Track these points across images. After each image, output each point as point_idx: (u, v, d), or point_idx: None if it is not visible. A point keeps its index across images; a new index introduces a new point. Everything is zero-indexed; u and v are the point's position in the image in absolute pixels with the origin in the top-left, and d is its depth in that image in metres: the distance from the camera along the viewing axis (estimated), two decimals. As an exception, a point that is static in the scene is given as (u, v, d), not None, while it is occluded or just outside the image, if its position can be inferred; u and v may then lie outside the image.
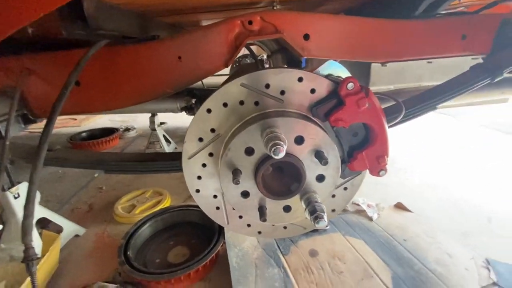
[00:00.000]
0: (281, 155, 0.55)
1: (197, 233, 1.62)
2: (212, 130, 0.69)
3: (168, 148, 2.89)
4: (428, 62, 1.38)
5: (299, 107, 0.67)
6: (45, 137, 0.81)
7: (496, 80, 1.05)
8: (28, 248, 0.72)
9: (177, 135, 3.56)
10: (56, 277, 1.39)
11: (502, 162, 2.53)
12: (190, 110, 2.15)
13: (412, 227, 1.69)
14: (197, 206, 1.72)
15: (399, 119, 0.93)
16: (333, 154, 0.66)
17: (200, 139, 0.70)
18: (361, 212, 1.82)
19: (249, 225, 0.82)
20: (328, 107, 0.65)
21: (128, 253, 1.37)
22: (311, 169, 0.68)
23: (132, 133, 3.59)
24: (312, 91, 0.66)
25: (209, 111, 0.67)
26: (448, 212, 1.90)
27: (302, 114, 0.67)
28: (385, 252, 1.48)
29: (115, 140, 3.21)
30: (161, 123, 2.97)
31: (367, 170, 0.71)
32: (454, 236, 1.64)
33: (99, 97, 1.17)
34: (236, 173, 0.65)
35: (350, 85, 0.61)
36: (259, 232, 0.83)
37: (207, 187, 0.76)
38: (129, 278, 1.26)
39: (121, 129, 3.51)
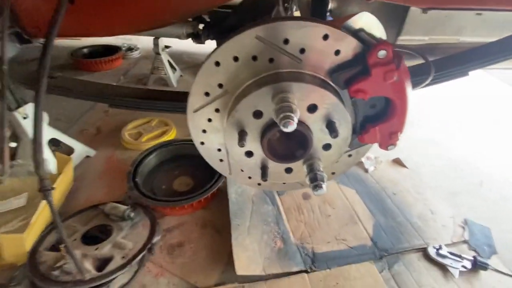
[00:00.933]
0: (291, 128, 0.52)
1: (201, 165, 1.70)
2: (220, 86, 0.64)
3: (173, 76, 2.77)
4: (477, 14, 1.16)
5: (318, 69, 0.60)
6: (44, 62, 0.76)
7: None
8: (42, 180, 0.77)
9: (183, 60, 3.37)
10: (73, 192, 1.54)
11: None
12: (197, 37, 1.95)
13: (403, 182, 1.77)
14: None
15: (426, 82, 0.84)
16: (345, 126, 0.63)
17: (207, 94, 0.65)
18: (358, 163, 1.87)
19: (250, 177, 0.85)
20: (351, 73, 0.58)
21: (136, 179, 1.48)
22: (319, 137, 0.66)
23: (135, 54, 3.39)
24: (337, 52, 0.58)
25: (217, 64, 0.60)
26: (444, 170, 1.95)
27: (320, 78, 0.60)
28: (373, 203, 1.59)
29: (118, 60, 3.06)
30: (166, 47, 2.76)
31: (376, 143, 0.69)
32: (442, 195, 1.73)
33: (96, 20, 1.05)
34: (242, 135, 0.63)
35: (381, 53, 0.53)
36: (259, 184, 0.87)
37: (211, 141, 0.75)
38: (138, 202, 1.40)
39: (123, 48, 3.30)
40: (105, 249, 1.16)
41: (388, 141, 0.66)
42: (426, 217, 1.56)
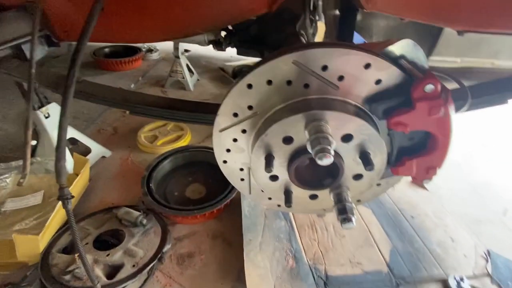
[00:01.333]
0: (327, 162, 0.49)
1: (215, 174, 1.70)
2: (250, 107, 0.61)
3: (190, 80, 2.79)
4: (516, 38, 1.10)
5: (355, 97, 0.57)
6: (74, 66, 0.76)
7: None
8: (62, 188, 0.76)
9: (200, 65, 3.39)
10: (88, 192, 1.55)
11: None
12: (218, 44, 1.96)
13: (422, 205, 1.69)
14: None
15: (461, 110, 0.80)
16: (380, 158, 0.59)
17: (235, 114, 0.63)
18: (376, 181, 1.81)
19: (270, 198, 0.82)
20: (390, 104, 0.55)
21: (151, 184, 1.47)
22: (351, 167, 0.62)
23: (155, 55, 3.44)
24: (378, 81, 0.55)
25: (249, 86, 0.58)
26: (465, 195, 1.86)
27: (357, 106, 0.57)
28: (390, 225, 1.52)
29: (137, 61, 3.11)
30: (185, 51, 2.78)
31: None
32: (463, 221, 1.64)
33: (126, 27, 1.05)
34: (269, 160, 0.61)
35: (429, 87, 0.49)
36: (279, 205, 0.84)
37: (234, 160, 0.73)
38: (151, 208, 1.39)
39: (144, 49, 3.35)
40: (116, 255, 1.15)
41: (424, 176, 0.62)
42: (446, 245, 1.48)
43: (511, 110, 2.88)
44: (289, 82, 0.56)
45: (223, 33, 1.95)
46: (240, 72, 2.96)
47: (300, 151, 0.60)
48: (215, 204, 1.39)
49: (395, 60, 0.58)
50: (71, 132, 1.65)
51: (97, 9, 0.74)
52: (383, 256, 1.37)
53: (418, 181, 0.64)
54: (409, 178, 1.49)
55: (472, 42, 1.18)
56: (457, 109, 0.81)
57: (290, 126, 0.57)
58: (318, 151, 0.48)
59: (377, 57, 0.52)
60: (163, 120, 1.06)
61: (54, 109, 1.53)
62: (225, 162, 0.74)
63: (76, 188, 1.37)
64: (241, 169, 0.76)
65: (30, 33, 1.09)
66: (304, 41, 1.34)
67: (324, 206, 0.73)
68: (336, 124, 0.55)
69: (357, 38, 1.90)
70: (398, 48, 0.58)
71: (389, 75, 0.54)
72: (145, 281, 1.17)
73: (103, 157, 1.84)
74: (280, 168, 0.65)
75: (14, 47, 1.07)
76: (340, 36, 1.32)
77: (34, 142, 1.56)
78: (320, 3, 1.49)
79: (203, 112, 1.02)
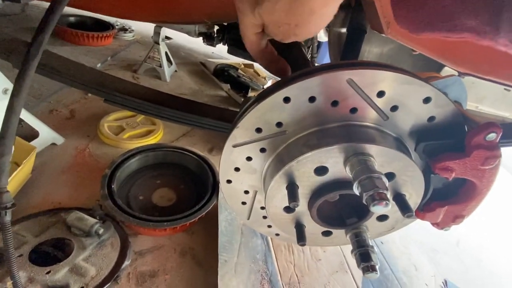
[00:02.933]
0: (383, 211, 0.40)
1: (188, 179, 1.53)
2: (279, 124, 0.50)
3: (168, 69, 2.55)
4: (506, 89, 1.19)
5: (401, 132, 0.50)
6: (44, 31, 0.57)
7: None
8: (1, 193, 0.55)
9: (179, 55, 3.15)
10: (28, 186, 1.25)
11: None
12: (209, 38, 1.81)
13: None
14: (195, 153, 1.58)
15: None
16: (413, 202, 0.53)
17: (258, 130, 0.51)
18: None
19: (270, 226, 0.71)
20: (441, 146, 0.49)
21: (113, 186, 1.25)
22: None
23: (128, 35, 3.10)
24: (431, 119, 0.48)
25: (287, 100, 0.47)
26: (426, 224, 1.97)
27: (403, 143, 0.50)
28: (363, 251, 1.53)
29: (108, 39, 2.75)
30: (167, 38, 2.54)
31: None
32: (425, 249, 1.74)
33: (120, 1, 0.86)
34: (293, 190, 0.50)
35: (490, 136, 0.44)
36: (277, 234, 0.74)
37: (241, 181, 0.61)
38: (109, 214, 1.17)
39: (117, 26, 3.00)
40: (59, 273, 0.92)
41: (448, 223, 0.58)
42: (411, 273, 1.53)
43: None
44: (335, 103, 0.47)
45: (215, 27, 1.80)
46: (223, 72, 2.82)
47: (332, 185, 0.51)
48: (189, 217, 1.23)
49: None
50: (15, 110, 1.33)
51: None
52: (356, 283, 1.35)
53: (440, 228, 0.59)
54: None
55: (466, 84, 1.23)
56: None
57: (329, 155, 0.47)
58: (374, 197, 0.39)
59: (440, 92, 0.45)
60: (147, 115, 0.89)
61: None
62: (229, 181, 0.61)
63: (14, 182, 1.09)
64: (246, 192, 0.64)
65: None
66: (305, 53, 1.28)
67: (335, 243, 0.65)
68: (382, 160, 0.47)
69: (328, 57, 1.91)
70: (447, 86, 0.53)
71: (445, 114, 0.48)
72: (93, 305, 0.95)
73: (53, 144, 1.53)
74: (301, 199, 0.54)
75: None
76: (346, 54, 1.29)
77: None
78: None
79: (198, 114, 0.87)
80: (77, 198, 1.29)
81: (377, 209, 0.40)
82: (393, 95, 0.46)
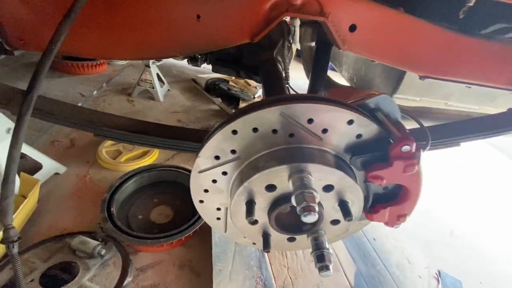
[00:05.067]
0: (312, 219, 0.49)
1: (183, 195, 1.62)
2: (233, 152, 0.60)
3: (160, 90, 2.67)
4: (467, 87, 1.26)
5: (337, 148, 0.59)
6: (37, 81, 0.67)
7: (530, 130, 0.99)
8: (7, 229, 0.65)
9: (171, 74, 3.29)
10: (36, 216, 1.36)
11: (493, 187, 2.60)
12: (193, 60, 1.92)
13: (382, 227, 1.79)
14: (188, 170, 1.67)
15: (425, 150, 0.87)
16: (358, 206, 0.62)
17: (217, 157, 0.61)
18: (342, 204, 1.89)
19: (245, 237, 0.80)
20: (370, 159, 0.57)
21: (112, 209, 1.35)
22: (330, 213, 0.63)
23: (121, 61, 3.24)
24: (358, 136, 0.57)
25: (234, 132, 0.57)
26: (419, 219, 2.02)
27: (339, 157, 0.59)
28: (355, 248, 1.59)
29: (102, 66, 2.90)
30: (157, 60, 2.67)
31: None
32: (418, 242, 1.79)
33: (95, 41, 0.97)
34: (250, 207, 0.59)
35: (405, 148, 0.52)
36: (254, 243, 0.82)
37: (212, 200, 0.70)
38: (111, 235, 1.27)
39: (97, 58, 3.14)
40: (67, 294, 1.02)
41: (395, 222, 0.66)
42: (404, 267, 1.59)
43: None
44: (274, 131, 0.56)
45: (198, 49, 1.91)
46: (214, 87, 2.93)
47: (282, 199, 0.59)
48: (184, 231, 1.32)
49: (372, 112, 0.61)
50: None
51: (68, 21, 0.67)
52: (348, 280, 1.41)
53: (390, 226, 0.67)
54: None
55: (430, 85, 1.32)
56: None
57: (274, 175, 0.56)
58: (304, 209, 0.48)
59: (360, 114, 0.54)
60: (132, 144, 0.99)
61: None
62: (201, 201, 0.71)
63: (21, 214, 1.20)
64: (218, 209, 0.73)
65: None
66: (280, 68, 1.38)
67: (302, 247, 0.73)
68: (319, 175, 0.56)
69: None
70: (377, 102, 0.62)
71: (369, 131, 0.57)
72: (100, 321, 1.05)
73: (56, 173, 1.65)
74: (260, 212, 0.63)
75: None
76: (315, 66, 1.38)
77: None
78: (297, 34, 1.55)
79: (179, 139, 0.97)
80: (81, 222, 1.39)
81: (308, 219, 0.49)
82: (321, 120, 0.55)
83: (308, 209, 0.48)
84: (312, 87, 1.18)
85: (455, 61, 1.05)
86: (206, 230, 1.41)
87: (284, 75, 1.35)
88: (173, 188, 1.66)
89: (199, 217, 1.41)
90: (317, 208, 0.49)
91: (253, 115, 0.54)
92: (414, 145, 0.53)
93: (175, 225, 1.39)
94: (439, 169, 2.71)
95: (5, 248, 0.66)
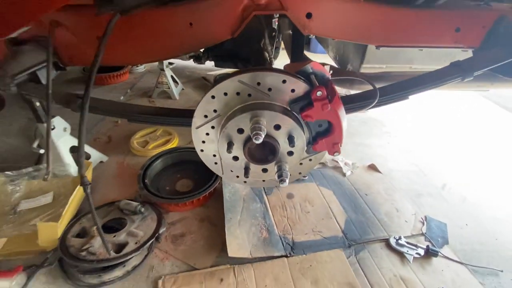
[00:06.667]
0: (259, 141, 0.80)
1: (200, 170, 1.98)
2: (215, 111, 0.92)
3: (175, 89, 3.07)
4: (419, 50, 1.47)
5: (281, 101, 0.89)
6: (89, 87, 1.04)
7: (465, 80, 1.20)
8: (83, 177, 1.04)
9: (184, 75, 3.68)
10: (91, 191, 1.79)
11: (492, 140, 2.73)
12: (197, 58, 2.27)
13: (376, 185, 2.04)
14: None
15: (372, 104, 1.14)
16: (301, 139, 0.91)
17: (205, 116, 0.94)
18: (337, 168, 2.16)
19: (237, 176, 1.12)
20: (302, 104, 0.87)
21: (146, 181, 1.75)
22: (284, 147, 0.93)
23: (140, 68, 3.70)
24: (292, 90, 0.87)
25: (213, 97, 0.89)
26: (412, 175, 2.23)
27: (283, 107, 0.89)
28: (347, 202, 1.86)
29: (125, 75, 3.36)
30: (170, 63, 3.07)
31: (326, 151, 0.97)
32: (409, 196, 2.00)
33: (119, 52, 1.35)
34: (230, 145, 0.91)
35: (318, 93, 0.81)
36: (245, 182, 1.14)
37: (208, 149, 1.03)
38: (147, 200, 1.67)
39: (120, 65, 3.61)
40: (121, 236, 1.42)
41: (332, 149, 0.94)
42: (392, 214, 1.83)
43: (455, 111, 3.32)
44: (238, 93, 0.88)
45: (201, 50, 2.26)
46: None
47: (249, 138, 0.91)
48: (201, 192, 1.68)
49: (307, 75, 0.90)
50: (73, 141, 1.90)
51: (103, 45, 1.03)
52: (339, 225, 1.69)
53: (331, 153, 0.96)
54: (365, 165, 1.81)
55: (391, 53, 1.54)
56: (369, 104, 1.15)
57: (241, 121, 0.88)
58: (253, 134, 0.80)
59: (289, 75, 0.84)
60: (155, 125, 1.34)
61: (58, 121, 1.78)
62: (202, 150, 1.04)
63: (81, 189, 1.62)
64: (214, 155, 1.06)
65: (44, 61, 1.37)
66: (267, 56, 1.67)
67: (273, 177, 1.04)
68: (269, 119, 0.86)
69: (320, 48, 2.26)
70: (309, 67, 0.91)
71: (299, 86, 0.86)
72: (145, 256, 1.44)
73: (101, 162, 2.09)
74: (238, 150, 0.95)
75: (31, 73, 1.34)
76: (293, 50, 1.66)
77: (42, 151, 1.81)
78: (276, 25, 1.82)
79: (187, 117, 1.31)
80: (124, 194, 1.81)
81: (257, 140, 0.80)
82: (265, 83, 0.85)
83: (256, 134, 0.79)
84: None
85: (397, 30, 1.28)
86: (220, 196, 1.76)
87: (269, 60, 1.65)
88: (192, 165, 2.03)
89: (213, 182, 1.76)
90: (262, 134, 0.80)
91: (222, 83, 0.86)
92: (325, 90, 0.82)
93: (195, 192, 1.76)
94: (436, 126, 2.85)
95: (83, 189, 1.04)
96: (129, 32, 1.26)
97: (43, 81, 1.48)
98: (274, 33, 1.91)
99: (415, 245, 1.58)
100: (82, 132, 1.04)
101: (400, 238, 1.62)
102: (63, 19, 1.26)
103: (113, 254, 1.30)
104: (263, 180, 1.12)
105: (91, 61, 1.31)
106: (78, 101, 1.32)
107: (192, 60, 2.40)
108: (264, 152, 0.96)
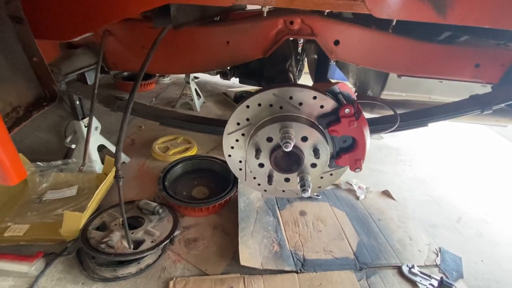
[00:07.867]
0: (289, 148, 0.87)
1: (216, 179, 2.05)
2: (247, 119, 1.00)
3: (198, 102, 3.22)
4: (440, 81, 1.53)
5: (309, 115, 0.96)
6: (134, 90, 1.15)
7: (484, 113, 1.25)
8: (118, 170, 1.12)
9: (206, 89, 3.86)
10: (112, 190, 1.88)
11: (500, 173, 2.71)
12: (224, 75, 2.41)
13: (389, 211, 2.03)
14: (220, 159, 2.11)
15: (393, 128, 1.20)
16: (325, 152, 0.97)
17: (238, 123, 1.02)
18: (351, 191, 2.17)
19: (259, 184, 1.18)
20: (329, 119, 0.94)
21: (165, 183, 1.82)
22: (309, 158, 0.99)
23: (166, 80, 3.92)
24: (321, 106, 0.94)
25: (247, 107, 0.97)
26: (426, 205, 2.20)
27: (311, 120, 0.96)
28: (359, 225, 1.86)
29: (152, 85, 3.57)
30: (195, 77, 3.25)
31: (348, 166, 1.02)
32: (423, 225, 1.97)
33: (160, 63, 1.48)
34: (258, 152, 0.98)
35: (346, 110, 0.88)
36: (265, 190, 1.20)
37: (236, 155, 1.10)
38: (165, 202, 1.73)
39: (157, 74, 3.83)
40: (139, 234, 1.47)
41: (354, 165, 0.99)
42: (405, 242, 1.80)
43: (470, 140, 3.31)
44: (271, 105, 0.96)
45: (228, 67, 2.41)
46: (241, 97, 3.43)
47: (277, 147, 0.97)
48: (217, 200, 1.73)
49: (335, 94, 0.98)
50: (102, 140, 2.02)
51: (151, 54, 1.15)
52: (351, 247, 1.69)
53: (352, 169, 1.01)
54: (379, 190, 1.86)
55: (411, 82, 1.61)
56: (390, 127, 1.21)
57: (271, 131, 0.95)
58: (283, 142, 0.86)
59: (320, 93, 0.92)
60: (185, 130, 1.43)
61: (92, 120, 1.91)
62: (229, 156, 1.11)
63: (105, 186, 1.71)
64: (240, 161, 1.12)
65: (94, 63, 1.51)
66: (292, 77, 1.78)
67: (294, 187, 1.09)
68: (297, 130, 0.93)
69: (339, 74, 2.37)
70: (338, 87, 0.99)
71: (328, 103, 0.93)
72: (159, 256, 1.48)
73: (124, 162, 2.19)
74: (264, 158, 1.02)
75: (80, 74, 1.48)
76: (317, 73, 1.76)
77: (73, 146, 1.93)
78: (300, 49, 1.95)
79: (214, 125, 1.40)
80: (143, 195, 1.88)
81: (286, 148, 0.86)
82: (297, 97, 0.93)
83: (286, 142, 0.86)
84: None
85: (420, 61, 1.36)
86: (234, 206, 1.81)
87: (293, 80, 1.76)
88: (209, 174, 2.10)
89: (229, 191, 1.81)
90: (292, 142, 0.87)
91: (258, 95, 0.94)
92: (352, 108, 0.88)
93: (210, 199, 1.81)
94: (451, 158, 2.84)
95: (115, 181, 1.12)
96: (172, 45, 1.39)
97: (89, 82, 1.63)
98: (299, 56, 2.04)
99: (429, 276, 1.55)
100: (123, 129, 1.13)
101: (413, 266, 1.59)
102: (114, 29, 1.42)
103: (131, 250, 1.35)
104: (283, 190, 1.17)
105: (135, 67, 1.45)
106: (117, 102, 1.44)
107: (218, 75, 2.55)
108: (288, 162, 1.02)
